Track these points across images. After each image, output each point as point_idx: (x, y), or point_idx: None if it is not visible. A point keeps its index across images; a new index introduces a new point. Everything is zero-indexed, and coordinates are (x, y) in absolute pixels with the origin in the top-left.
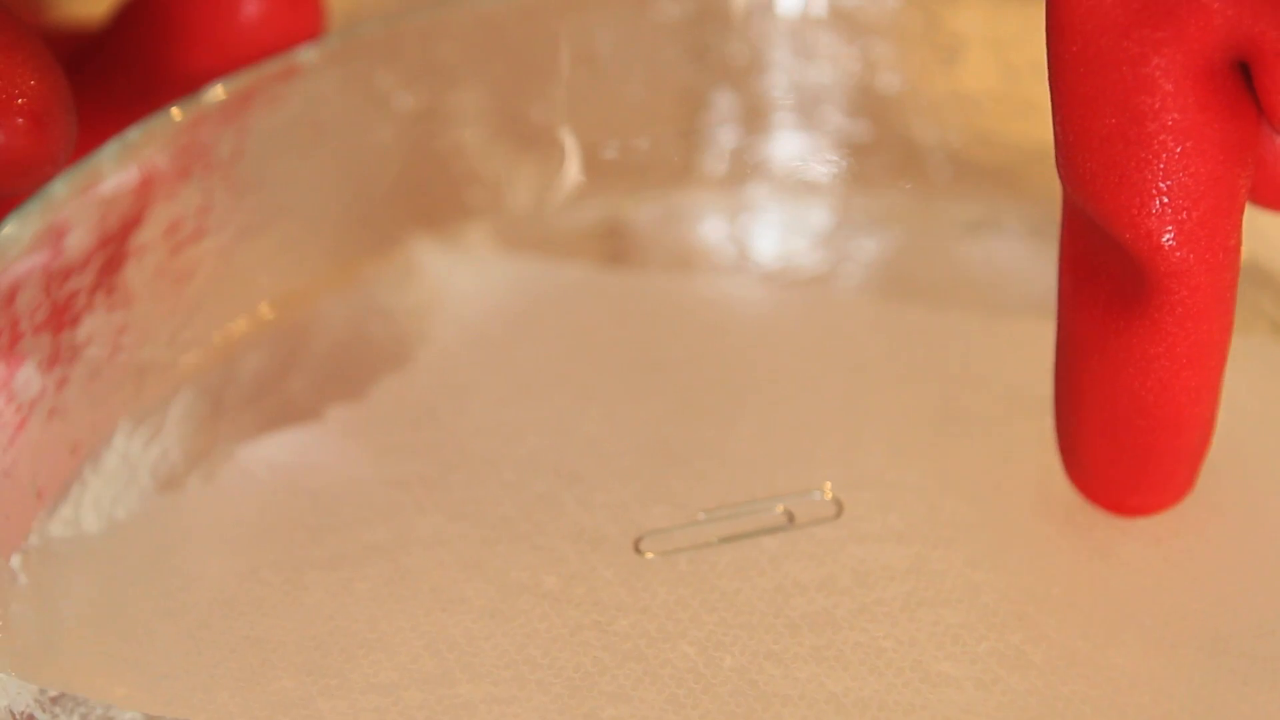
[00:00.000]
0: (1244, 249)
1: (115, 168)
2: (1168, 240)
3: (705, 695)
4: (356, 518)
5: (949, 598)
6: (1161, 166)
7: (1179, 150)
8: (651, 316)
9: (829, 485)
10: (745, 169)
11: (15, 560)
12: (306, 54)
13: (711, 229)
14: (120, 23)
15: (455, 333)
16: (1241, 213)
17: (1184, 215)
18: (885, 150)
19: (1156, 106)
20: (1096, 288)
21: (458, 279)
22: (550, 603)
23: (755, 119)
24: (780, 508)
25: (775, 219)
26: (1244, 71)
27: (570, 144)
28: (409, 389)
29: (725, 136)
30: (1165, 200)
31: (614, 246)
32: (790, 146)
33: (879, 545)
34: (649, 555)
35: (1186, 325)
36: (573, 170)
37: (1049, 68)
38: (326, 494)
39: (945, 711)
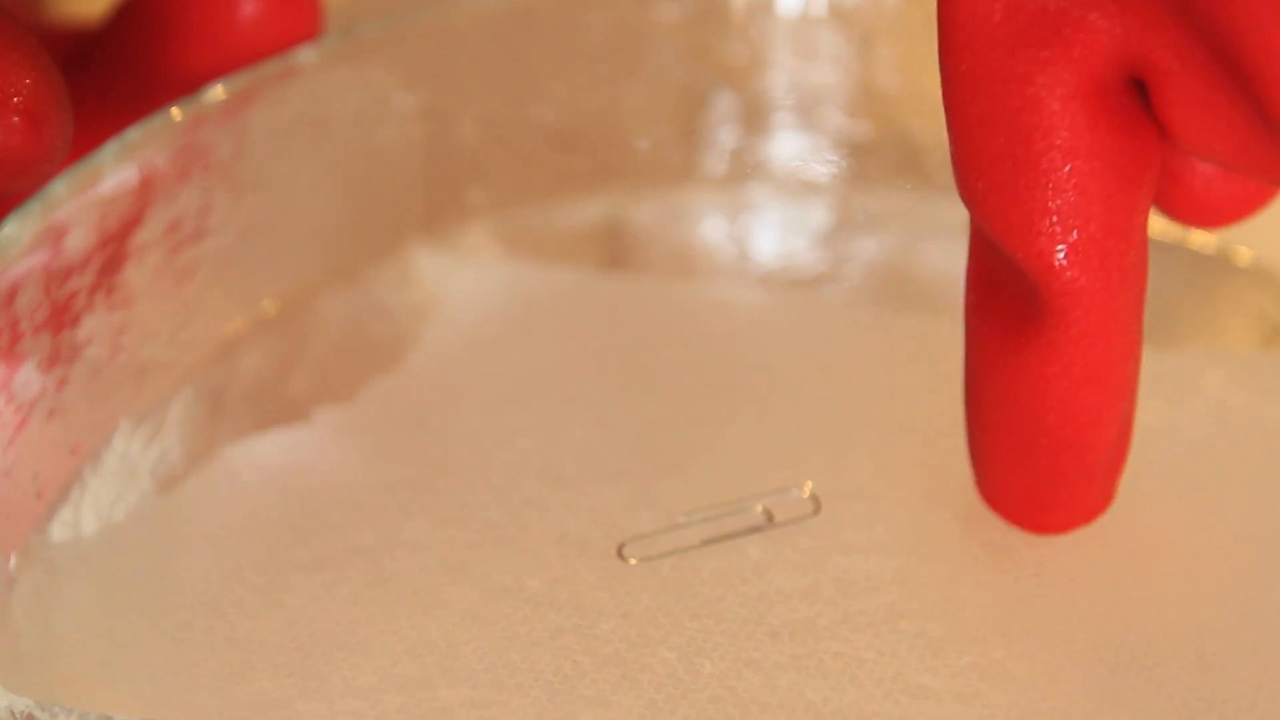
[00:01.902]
0: (1244, 249)
1: (115, 168)
2: (1059, 260)
3: (684, 701)
4: (342, 520)
5: (932, 611)
6: (1050, 185)
7: (1068, 169)
8: (648, 319)
9: (808, 484)
10: (745, 169)
11: (14, 560)
12: (306, 54)
13: (711, 229)
14: (117, 22)
15: (454, 334)
16: (1142, 231)
17: (1074, 234)
18: (885, 150)
19: (1044, 125)
20: (998, 305)
21: (457, 280)
22: (532, 607)
23: (755, 119)
24: (760, 507)
25: (775, 219)
26: (1142, 88)
27: (570, 144)
28: (405, 391)
29: (725, 136)
30: (1055, 219)
31: (614, 246)
32: (790, 146)
33: (863, 556)
34: (632, 561)
35: (1082, 345)
36: (573, 171)
37: (941, 86)
38: (313, 496)
39: None
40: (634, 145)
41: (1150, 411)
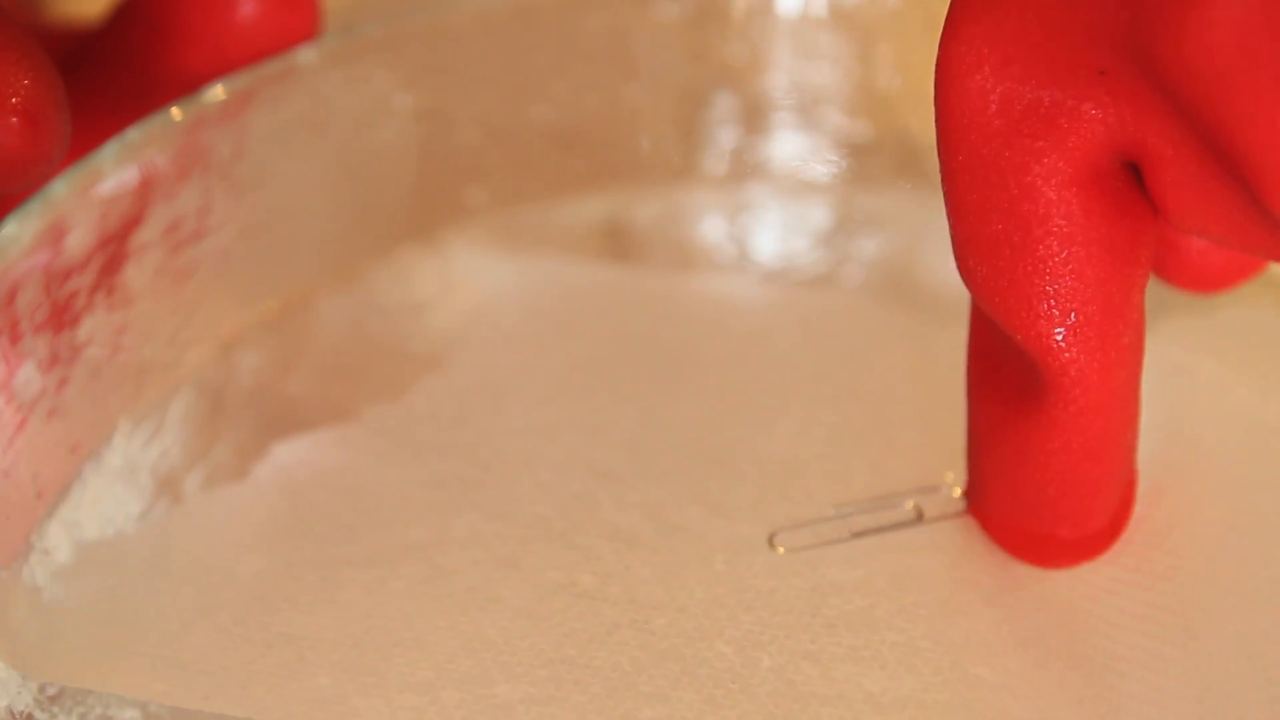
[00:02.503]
0: None
1: (115, 168)
2: (1058, 341)
3: (743, 695)
4: (392, 516)
5: (985, 604)
6: (1048, 271)
7: (1065, 255)
8: (663, 315)
9: (952, 478)
10: (745, 169)
11: (16, 561)
12: (306, 54)
13: (711, 229)
14: (116, 22)
15: (456, 333)
16: (1138, 308)
17: (1072, 317)
18: (885, 150)
19: (1040, 213)
20: (1000, 381)
21: (458, 279)
22: (587, 602)
23: (755, 119)
24: (910, 504)
25: (775, 219)
26: (1135, 169)
27: (570, 144)
28: (442, 387)
29: (725, 136)
30: (1053, 303)
31: (614, 246)
32: (790, 146)
33: (914, 554)
34: (781, 550)
35: (1081, 422)
36: (573, 170)
37: (940, 174)
38: (361, 493)
39: (984, 713)
40: (634, 145)
41: (1149, 410)
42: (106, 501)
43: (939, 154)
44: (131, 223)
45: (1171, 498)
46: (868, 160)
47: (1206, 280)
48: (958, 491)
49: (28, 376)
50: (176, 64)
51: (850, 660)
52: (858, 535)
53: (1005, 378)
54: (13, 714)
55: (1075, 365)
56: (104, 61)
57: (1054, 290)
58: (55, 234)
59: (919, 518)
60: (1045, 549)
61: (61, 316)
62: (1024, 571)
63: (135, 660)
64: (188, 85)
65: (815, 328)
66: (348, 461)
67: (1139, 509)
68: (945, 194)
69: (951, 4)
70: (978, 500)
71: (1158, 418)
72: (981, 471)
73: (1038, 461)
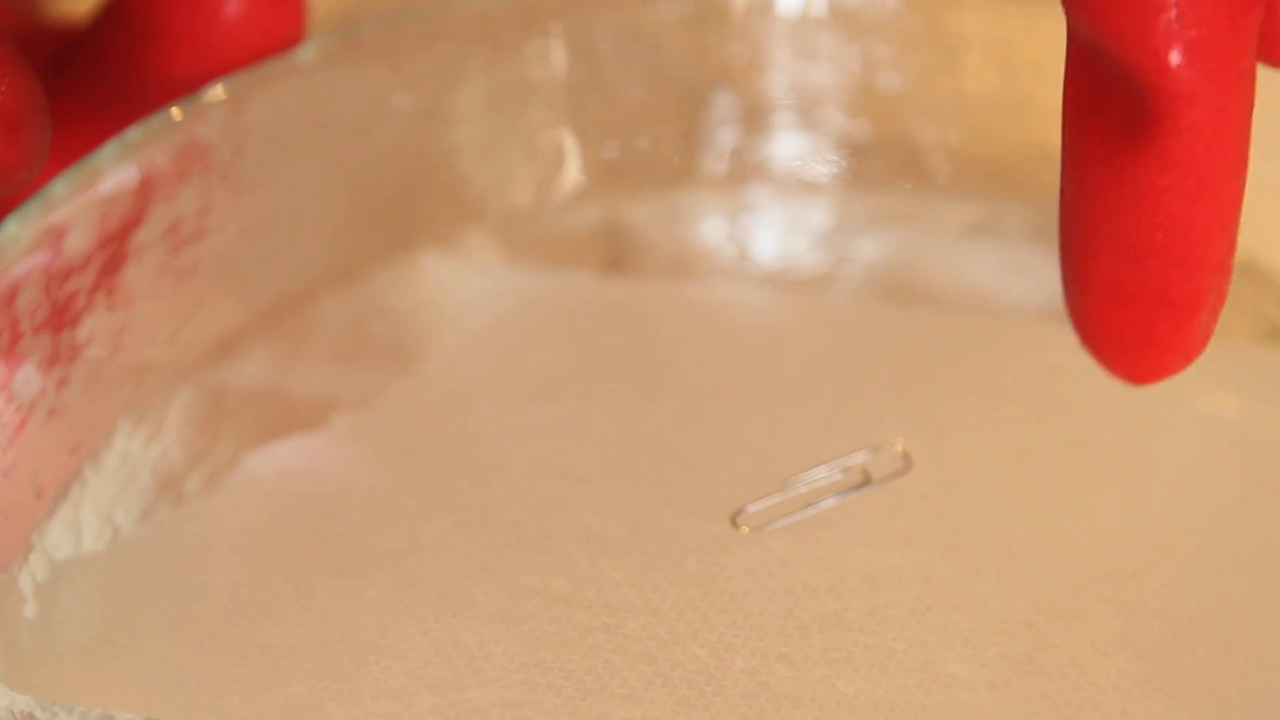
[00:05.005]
0: (1242, 248)
1: (115, 168)
2: (1175, 58)
3: (717, 697)
4: (364, 524)
5: (957, 604)
6: None
7: None
8: (653, 320)
9: (900, 441)
10: (745, 169)
11: (14, 563)
12: (306, 54)
13: (711, 229)
14: (101, 22)
15: (456, 335)
16: (1254, 43)
17: (1193, 32)
18: (885, 150)
19: None
20: (1101, 122)
21: (458, 281)
22: (560, 606)
23: (755, 119)
24: (858, 466)
25: (775, 219)
26: None
27: (570, 144)
28: (412, 392)
29: (725, 136)
30: (1173, 15)
31: (614, 247)
32: (790, 146)
33: (886, 550)
34: (745, 529)
35: (1196, 152)
36: (573, 171)
37: None
38: (333, 500)
39: (957, 713)
40: (634, 145)
41: (1147, 410)
42: (106, 503)
43: None
44: (131, 223)
45: None
46: (868, 160)
47: None
48: (900, 447)
49: (28, 376)
50: (162, 63)
51: (823, 662)
52: (812, 504)
53: (1108, 118)
54: (13, 714)
55: (1192, 86)
56: (90, 62)
57: (1174, 1)
58: (55, 234)
59: (865, 480)
60: (1147, 327)
61: (61, 316)
62: (999, 569)
63: (104, 669)
64: (175, 85)
65: (816, 329)
66: (319, 468)
67: None
68: None
69: None
70: (1073, 273)
71: (1181, 439)
72: (1081, 229)
73: (1146, 202)
